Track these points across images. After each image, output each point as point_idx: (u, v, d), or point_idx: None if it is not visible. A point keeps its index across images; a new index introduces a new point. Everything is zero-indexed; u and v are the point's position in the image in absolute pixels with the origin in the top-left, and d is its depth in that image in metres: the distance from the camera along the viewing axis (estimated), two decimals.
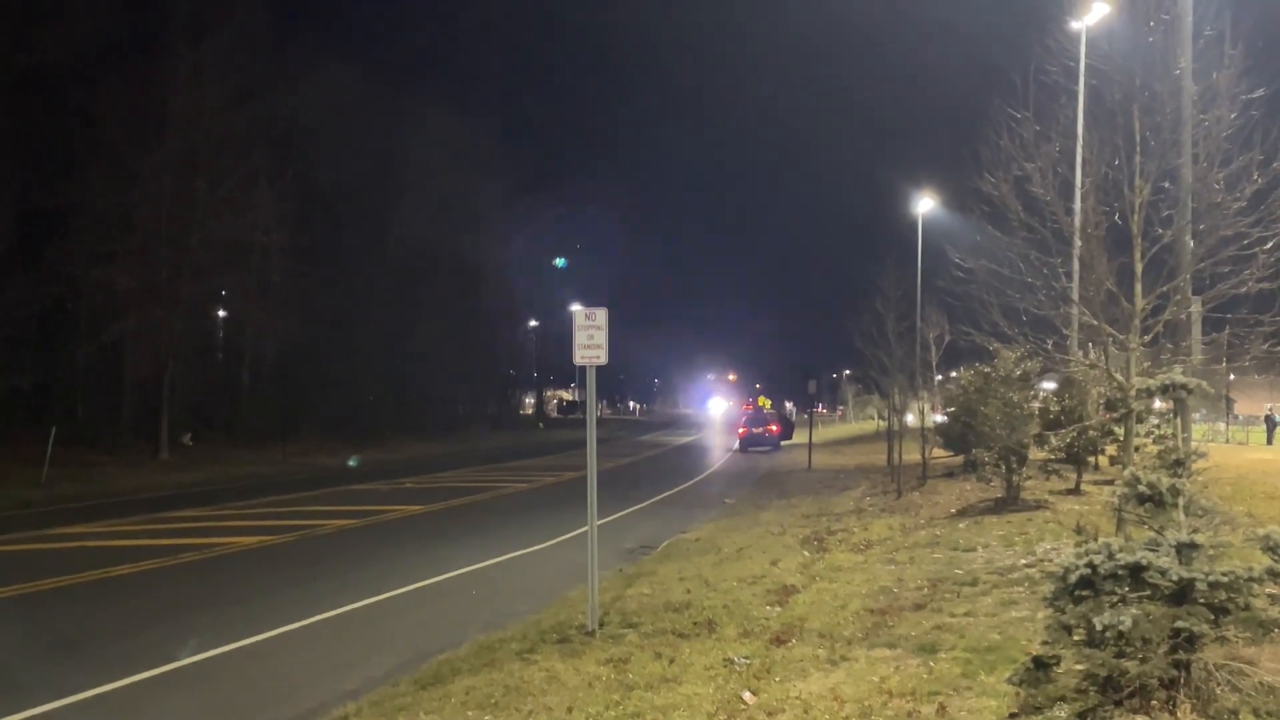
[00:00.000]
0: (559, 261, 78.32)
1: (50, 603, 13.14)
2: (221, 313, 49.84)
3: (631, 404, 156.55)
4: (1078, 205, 13.09)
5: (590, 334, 10.66)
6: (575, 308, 11.08)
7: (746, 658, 8.76)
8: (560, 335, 57.28)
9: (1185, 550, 6.01)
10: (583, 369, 10.98)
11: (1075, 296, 13.25)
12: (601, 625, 10.43)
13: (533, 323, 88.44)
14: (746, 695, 7.65)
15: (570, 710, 7.57)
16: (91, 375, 40.93)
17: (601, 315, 10.67)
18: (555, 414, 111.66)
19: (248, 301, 47.86)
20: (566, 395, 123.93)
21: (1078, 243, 12.88)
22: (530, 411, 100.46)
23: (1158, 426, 16.63)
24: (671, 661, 8.78)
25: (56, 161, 37.72)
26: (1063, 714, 6.16)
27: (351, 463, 18.01)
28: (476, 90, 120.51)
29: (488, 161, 66.83)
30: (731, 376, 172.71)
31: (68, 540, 18.82)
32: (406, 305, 58.80)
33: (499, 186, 69.04)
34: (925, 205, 31.34)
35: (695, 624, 10.32)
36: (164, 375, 40.44)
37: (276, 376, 51.28)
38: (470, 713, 7.75)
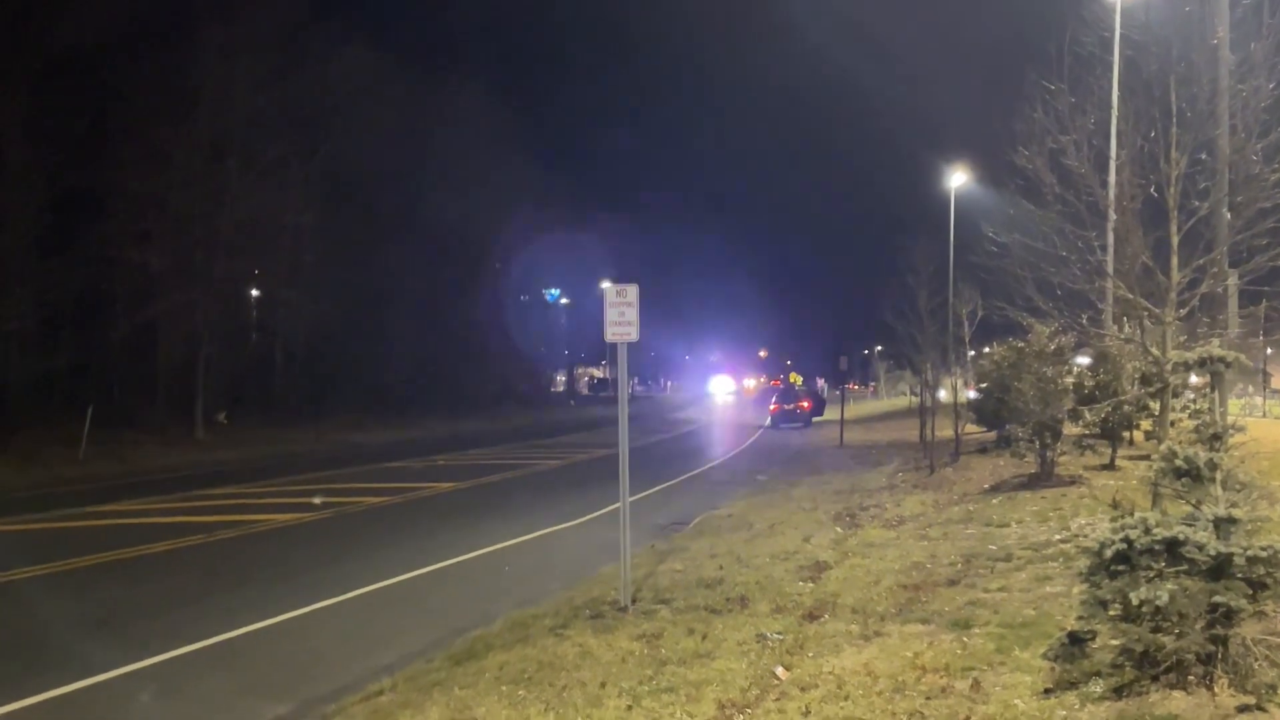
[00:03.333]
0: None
1: (88, 579, 13.29)
2: (254, 292, 50.03)
3: (662, 381, 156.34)
4: (1112, 178, 12.96)
5: (621, 311, 10.62)
6: (606, 285, 11.05)
7: (779, 633, 8.75)
8: (592, 312, 57.35)
9: (1223, 525, 5.96)
10: (613, 346, 10.96)
11: (1110, 270, 13.12)
12: (634, 601, 10.45)
13: (564, 300, 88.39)
14: (779, 670, 7.65)
15: (604, 685, 7.59)
16: (127, 355, 41.24)
17: (632, 292, 10.63)
18: (586, 391, 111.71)
19: (280, 281, 48.03)
20: (597, 372, 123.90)
21: (1113, 216, 12.76)
22: (561, 389, 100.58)
23: (1193, 401, 16.48)
24: (704, 637, 8.79)
25: (90, 144, 37.92)
26: (1098, 689, 6.13)
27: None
28: (506, 70, 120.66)
29: (517, 140, 66.85)
30: (762, 353, 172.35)
31: (105, 518, 19.01)
32: (437, 284, 58.87)
33: (528, 165, 68.98)
34: (958, 180, 31.16)
35: (728, 600, 10.31)
36: (198, 355, 40.74)
37: (309, 355, 51.52)
38: (504, 688, 7.78)
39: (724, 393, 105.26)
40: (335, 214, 48.41)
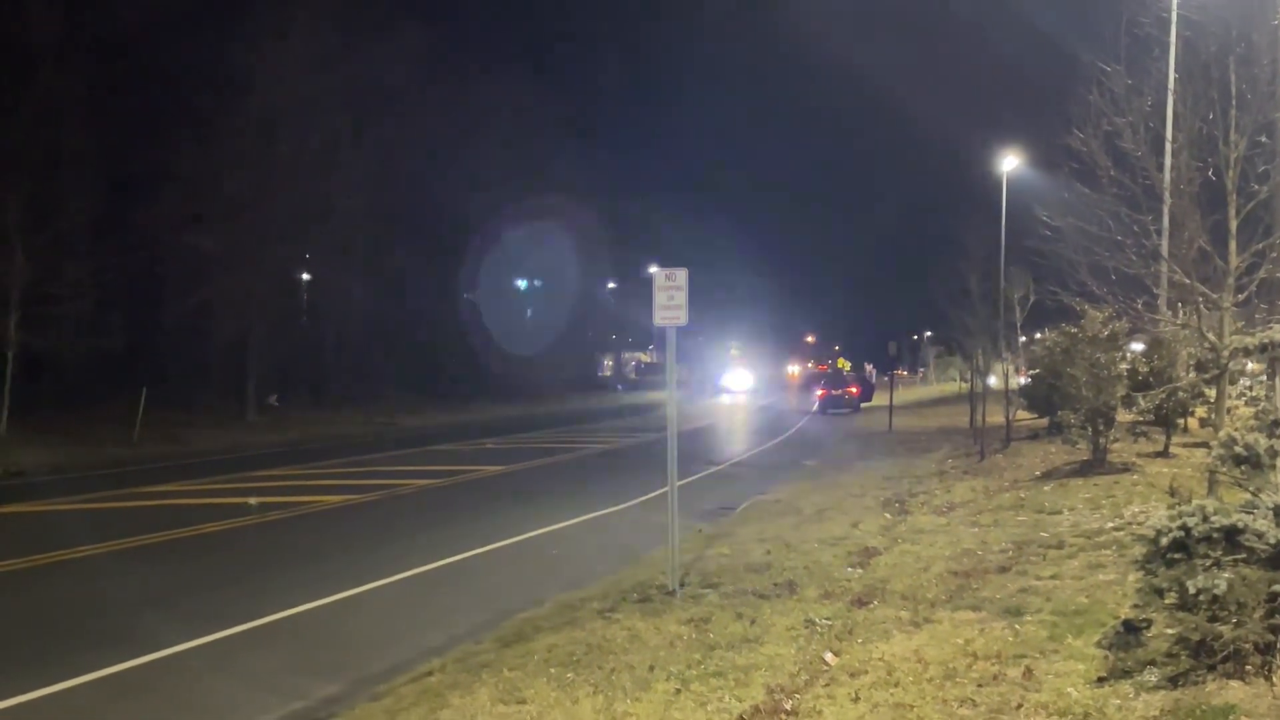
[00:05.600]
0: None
1: (142, 559, 13.46)
2: (305, 276, 50.47)
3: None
4: (1169, 161, 12.77)
5: (670, 294, 10.57)
6: (654, 269, 11.01)
7: (828, 619, 8.72)
8: (640, 296, 57.28)
9: None
10: (661, 330, 10.92)
11: (1166, 254, 12.93)
12: (682, 585, 10.43)
13: (611, 284, 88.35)
14: (828, 656, 7.61)
15: (652, 669, 7.59)
16: (180, 338, 41.74)
17: (681, 276, 10.58)
18: (633, 376, 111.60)
19: (330, 265, 48.43)
20: (645, 357, 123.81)
21: (1169, 199, 12.58)
22: (609, 373, 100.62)
23: (1249, 388, 16.22)
24: (752, 622, 8.77)
25: (144, 127, 38.37)
26: (1153, 678, 6.05)
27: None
28: (557, 53, 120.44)
29: (565, 124, 66.76)
30: (809, 338, 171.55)
31: (158, 498, 19.25)
32: (483, 268, 59.06)
33: (575, 149, 68.95)
34: (1010, 163, 30.79)
35: (776, 585, 10.29)
36: (249, 337, 41.20)
37: (358, 339, 51.87)
38: (553, 670, 7.79)
39: (740, 389, 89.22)
40: (385, 196, 48.65)
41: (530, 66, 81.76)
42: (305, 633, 9.97)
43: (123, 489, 20.35)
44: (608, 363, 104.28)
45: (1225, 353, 12.01)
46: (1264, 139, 11.79)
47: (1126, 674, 6.21)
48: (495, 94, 59.68)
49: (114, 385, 36.19)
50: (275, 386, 44.38)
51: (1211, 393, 15.10)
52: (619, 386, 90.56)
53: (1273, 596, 5.70)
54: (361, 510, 17.91)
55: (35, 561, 13.00)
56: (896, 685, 6.78)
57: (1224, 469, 6.44)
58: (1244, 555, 5.83)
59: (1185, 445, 19.05)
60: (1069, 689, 6.30)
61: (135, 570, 12.80)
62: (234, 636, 9.64)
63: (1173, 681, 5.94)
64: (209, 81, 38.62)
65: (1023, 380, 29.03)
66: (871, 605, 9.16)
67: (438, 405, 49.56)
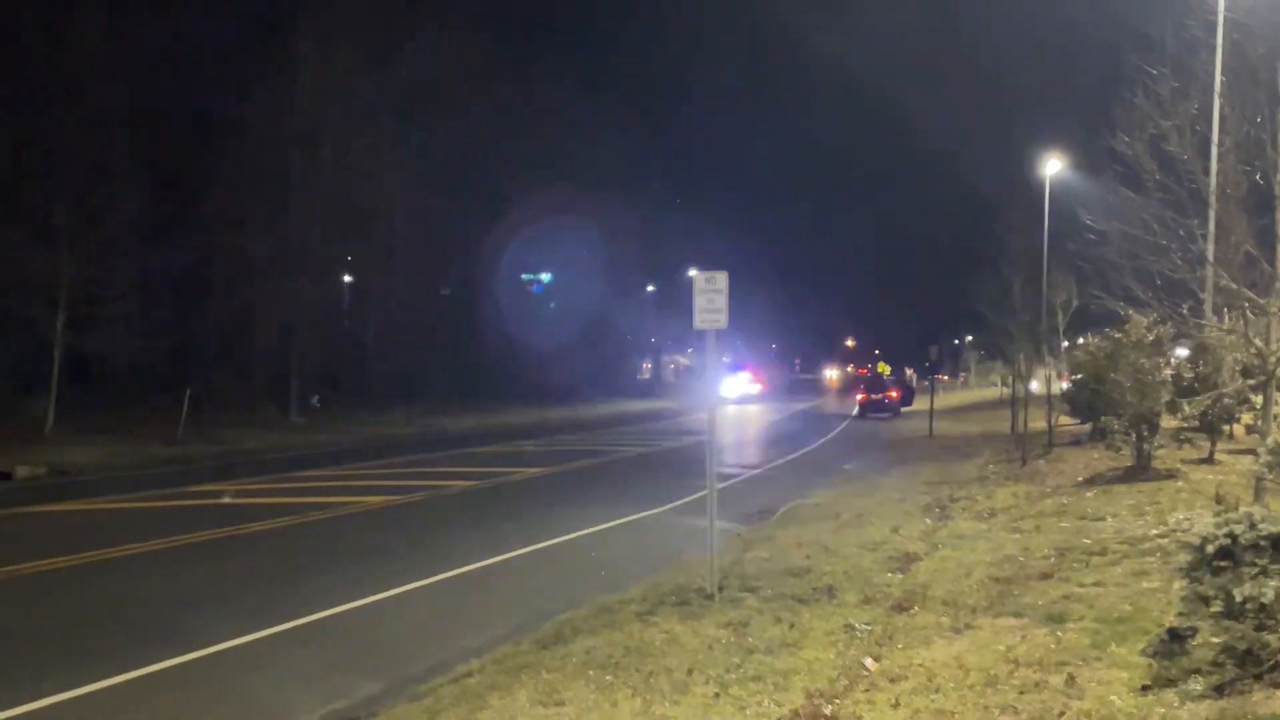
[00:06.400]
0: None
1: (184, 558, 13.58)
2: (347, 278, 50.83)
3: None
4: (1214, 164, 12.62)
5: (710, 298, 10.56)
6: (694, 272, 11.01)
7: (868, 624, 8.69)
8: (679, 299, 57.44)
9: None
10: (701, 333, 10.91)
11: (1211, 259, 12.78)
12: (720, 589, 10.40)
13: (650, 287, 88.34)
14: (868, 661, 7.59)
15: (690, 672, 7.59)
16: (224, 339, 42.17)
17: (722, 279, 10.56)
18: (672, 379, 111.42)
19: (373, 267, 48.77)
20: (684, 360, 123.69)
21: (1215, 203, 12.44)
22: (648, 376, 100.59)
23: None
24: (791, 626, 8.75)
25: (189, 131, 38.81)
26: (1198, 687, 5.99)
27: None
28: (597, 54, 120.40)
29: (604, 127, 66.78)
30: (849, 341, 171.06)
31: (202, 498, 19.40)
32: (522, 271, 59.29)
33: (617, 149, 68.96)
34: (1053, 167, 30.52)
35: (815, 589, 10.25)
36: (292, 339, 41.55)
37: (400, 341, 52.18)
38: (591, 672, 7.80)
39: (742, 393, 79.62)
40: (427, 201, 48.91)
41: (575, 69, 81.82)
42: (346, 632, 10.02)
43: (167, 488, 20.53)
44: (646, 365, 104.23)
45: (1272, 359, 11.88)
46: None
47: (1171, 682, 6.15)
48: (537, 96, 59.89)
49: (158, 385, 36.66)
50: (317, 387, 44.70)
51: (1258, 399, 14.91)
52: (656, 390, 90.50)
53: None
54: (402, 511, 17.99)
55: (81, 559, 13.14)
56: (937, 691, 6.75)
57: (1271, 476, 6.38)
58: None
59: (1231, 452, 18.84)
60: (1112, 697, 6.24)
61: (178, 569, 12.91)
62: (276, 635, 9.72)
63: (1218, 690, 5.87)
64: (253, 86, 38.99)
65: (1065, 385, 28.77)
66: (912, 611, 9.12)
67: (478, 407, 49.75)
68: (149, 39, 35.22)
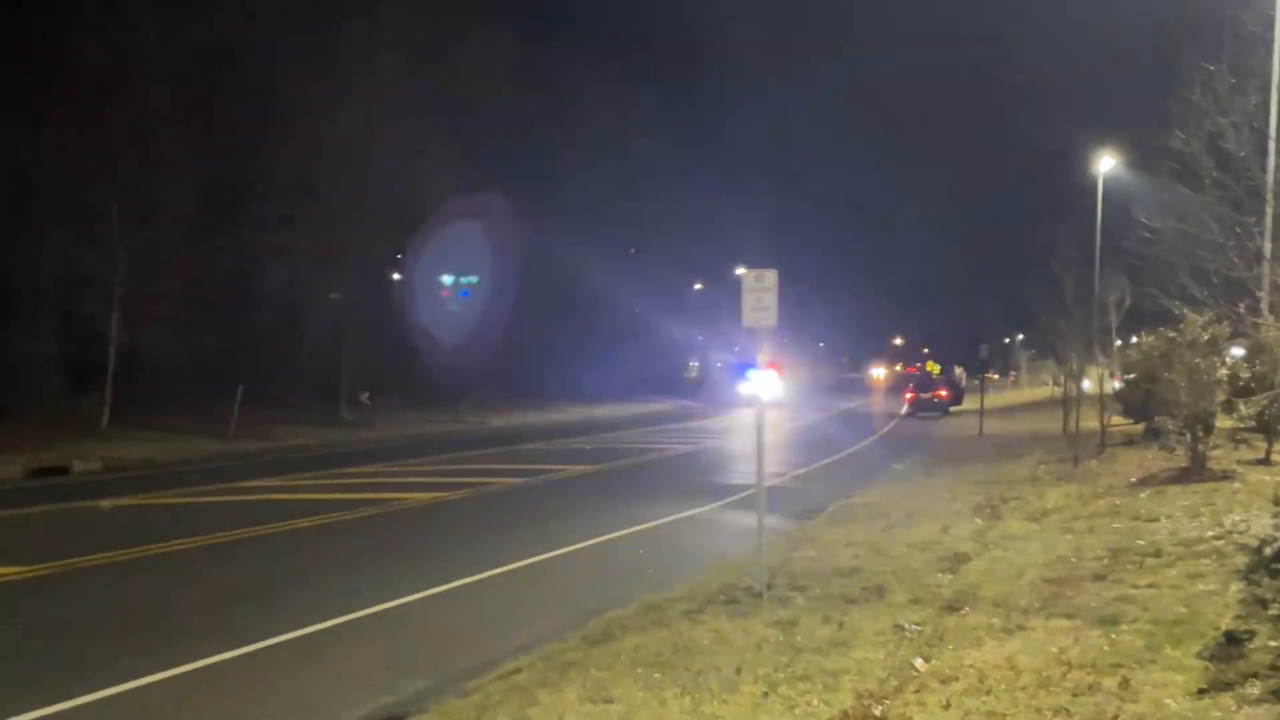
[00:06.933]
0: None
1: (235, 553, 13.72)
2: (395, 276, 51.20)
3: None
4: (1272, 160, 12.47)
5: (759, 296, 10.53)
6: (743, 270, 10.99)
7: (917, 624, 8.63)
8: (726, 297, 57.27)
9: None
10: (748, 332, 10.87)
11: (1269, 256, 12.60)
12: (769, 588, 10.37)
13: (697, 285, 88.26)
14: (918, 662, 7.53)
15: (739, 671, 7.57)
16: (274, 337, 42.57)
17: (771, 277, 10.53)
18: (719, 378, 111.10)
19: (421, 264, 49.11)
20: (730, 359, 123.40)
21: (1272, 200, 12.26)
22: (695, 375, 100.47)
23: None
24: (840, 626, 8.70)
25: (238, 130, 39.18)
26: (1256, 691, 5.90)
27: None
28: (646, 50, 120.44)
29: (654, 122, 66.89)
30: (898, 339, 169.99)
31: (253, 494, 19.63)
32: (570, 269, 59.40)
33: (666, 146, 69.09)
34: (1106, 164, 30.19)
35: (864, 589, 10.19)
36: (341, 337, 41.94)
37: (448, 338, 52.47)
38: (640, 670, 7.80)
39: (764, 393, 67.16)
40: (476, 198, 49.16)
41: (630, 67, 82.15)
42: (395, 627, 10.09)
43: (218, 484, 20.79)
44: (693, 364, 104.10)
45: None
46: None
47: (1227, 686, 6.06)
48: (584, 91, 59.97)
49: (210, 383, 37.01)
50: (366, 385, 45.07)
51: None
52: (703, 388, 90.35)
53: None
54: (451, 508, 18.12)
55: (134, 554, 13.31)
56: (988, 693, 6.69)
57: None
58: None
59: None
60: (1167, 700, 6.16)
61: (230, 563, 13.06)
62: (325, 630, 9.79)
63: (1276, 695, 5.79)
64: (301, 85, 39.31)
65: (1117, 384, 28.46)
66: (962, 611, 9.04)
67: (525, 405, 50.08)
68: (201, 39, 35.62)
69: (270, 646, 9.23)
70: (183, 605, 10.86)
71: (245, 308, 41.69)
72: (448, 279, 49.69)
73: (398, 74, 42.02)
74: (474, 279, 50.74)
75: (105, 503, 18.35)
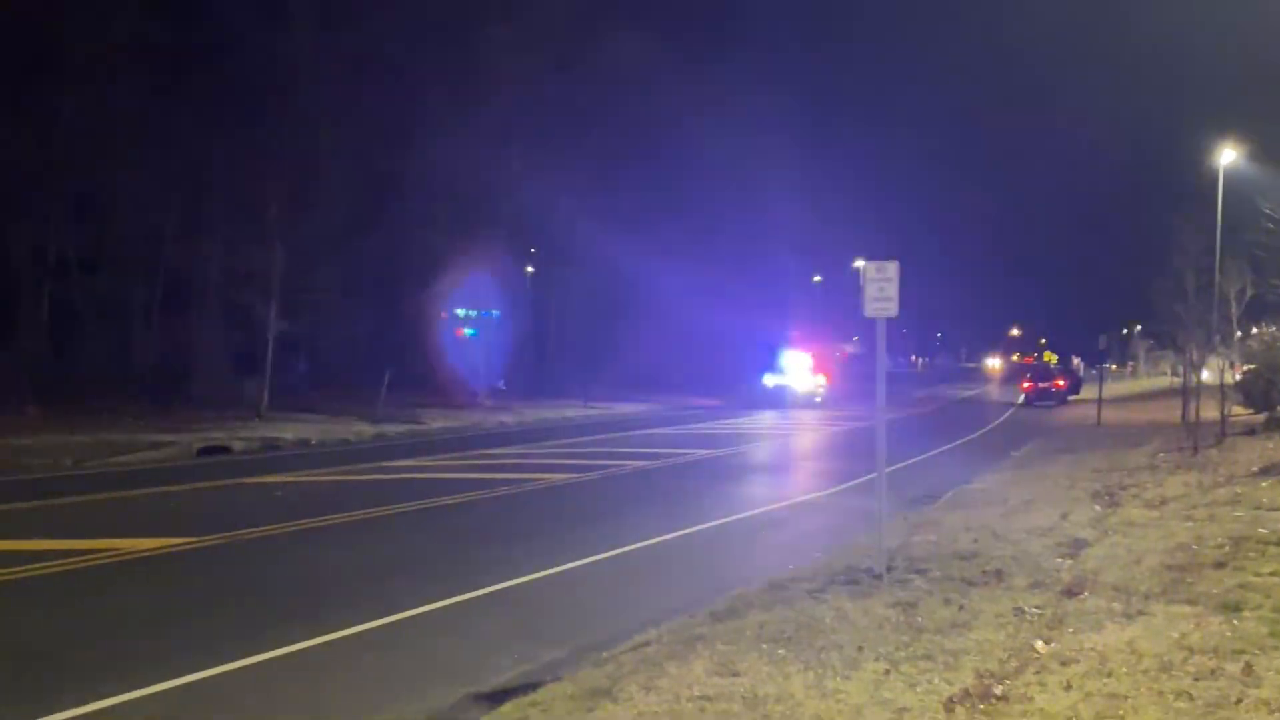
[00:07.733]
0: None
1: (384, 528, 14.49)
2: (529, 269, 53.18)
3: (913, 357, 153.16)
4: None
5: (880, 287, 10.70)
6: (863, 262, 11.17)
7: (1037, 607, 8.73)
8: (844, 289, 57.38)
9: None
10: (866, 322, 11.05)
11: None
12: (889, 569, 10.51)
13: (817, 278, 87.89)
14: (1038, 644, 7.66)
15: (861, 649, 7.72)
16: (417, 325, 44.22)
17: (892, 268, 10.70)
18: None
19: (552, 259, 51.50)
20: (848, 348, 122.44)
21: None
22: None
23: None
24: (960, 608, 8.82)
25: (389, 131, 40.79)
26: None
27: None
28: (780, 54, 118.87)
29: (777, 123, 66.53)
30: (1015, 330, 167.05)
31: (399, 473, 20.60)
32: (699, 265, 59.82)
33: (784, 145, 68.66)
34: (1228, 156, 29.48)
35: (983, 572, 10.29)
36: (481, 327, 43.74)
37: (579, 328, 53.95)
38: (764, 645, 7.99)
39: (799, 383, 51.31)
40: (606, 196, 50.20)
41: (752, 63, 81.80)
42: (530, 600, 10.54)
43: (367, 463, 21.93)
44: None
45: None
46: None
47: None
48: (715, 92, 60.00)
49: (359, 369, 38.78)
50: (503, 372, 46.82)
51: None
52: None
53: None
54: (583, 488, 18.82)
55: (292, 527, 14.09)
56: (1109, 675, 6.77)
57: None
58: None
59: None
60: None
61: (378, 538, 13.78)
62: (467, 601, 10.27)
63: None
64: (445, 88, 40.82)
65: (1238, 375, 27.93)
66: (1082, 595, 9.12)
67: (649, 393, 50.88)
68: (352, 47, 37.29)
69: (416, 616, 9.73)
70: (333, 576, 11.52)
71: (393, 298, 43.75)
72: (575, 273, 51.05)
73: (534, 76, 43.27)
74: (599, 273, 51.97)
75: (276, 478, 19.38)
